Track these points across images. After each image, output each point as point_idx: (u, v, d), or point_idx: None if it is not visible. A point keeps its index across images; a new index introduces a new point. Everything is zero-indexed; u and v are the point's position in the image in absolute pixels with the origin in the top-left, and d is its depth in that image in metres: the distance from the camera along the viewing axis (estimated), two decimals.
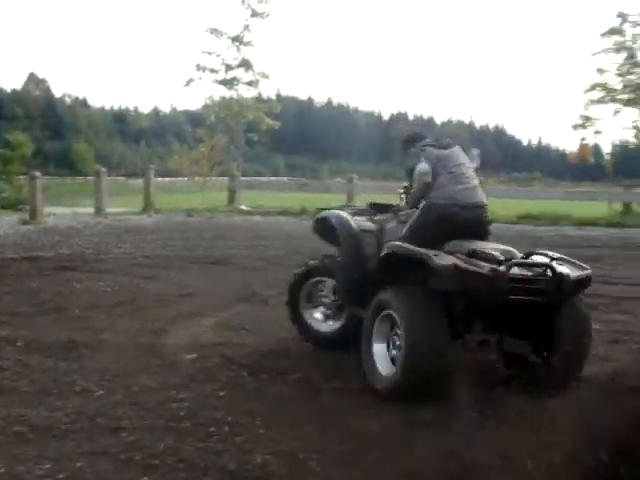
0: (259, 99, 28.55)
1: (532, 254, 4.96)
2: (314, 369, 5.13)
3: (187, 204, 20.15)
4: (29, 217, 16.53)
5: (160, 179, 25.64)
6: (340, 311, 5.77)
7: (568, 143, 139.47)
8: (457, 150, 5.32)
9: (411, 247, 4.69)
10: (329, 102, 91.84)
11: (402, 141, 5.57)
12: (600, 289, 8.49)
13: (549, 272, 4.66)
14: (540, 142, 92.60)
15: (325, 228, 5.86)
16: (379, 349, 4.83)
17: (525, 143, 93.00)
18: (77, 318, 6.78)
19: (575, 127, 28.19)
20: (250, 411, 4.33)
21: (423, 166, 5.06)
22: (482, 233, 5.08)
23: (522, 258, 4.84)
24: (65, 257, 10.72)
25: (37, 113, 64.12)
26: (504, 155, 76.40)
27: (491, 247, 4.78)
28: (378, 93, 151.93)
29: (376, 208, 5.80)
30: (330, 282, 5.78)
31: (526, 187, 32.93)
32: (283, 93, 66.57)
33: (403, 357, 4.52)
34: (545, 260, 4.80)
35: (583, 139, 29.18)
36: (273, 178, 43.79)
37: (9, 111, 62.16)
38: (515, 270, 4.61)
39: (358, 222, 5.62)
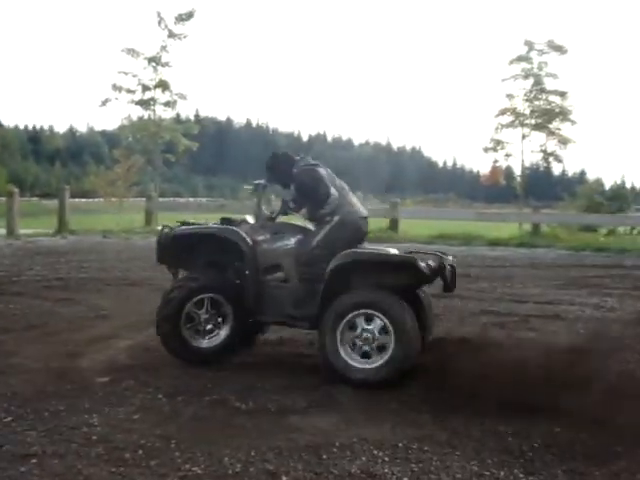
0: (177, 120, 28.40)
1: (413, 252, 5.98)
2: (229, 390, 5.11)
3: (103, 225, 19.81)
4: None
5: (76, 200, 25.16)
6: (222, 323, 5.88)
7: (481, 165, 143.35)
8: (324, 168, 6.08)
9: (385, 252, 5.70)
10: (248, 123, 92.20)
11: (274, 162, 6.23)
12: (510, 307, 8.80)
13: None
14: (455, 164, 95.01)
15: (175, 246, 6.06)
16: (345, 347, 5.38)
17: (441, 165, 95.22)
18: None
19: (486, 150, 29.15)
20: (165, 434, 4.29)
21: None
22: (365, 240, 6.02)
23: None
24: None
25: None
26: (421, 176, 77.99)
27: (390, 249, 5.86)
28: (297, 114, 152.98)
29: (229, 223, 6.17)
30: (207, 297, 5.82)
31: (441, 207, 33.71)
32: (202, 114, 66.38)
33: (401, 348, 5.22)
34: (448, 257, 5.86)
35: (495, 161, 30.15)
36: (192, 199, 43.44)
37: None
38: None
39: None
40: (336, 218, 5.74)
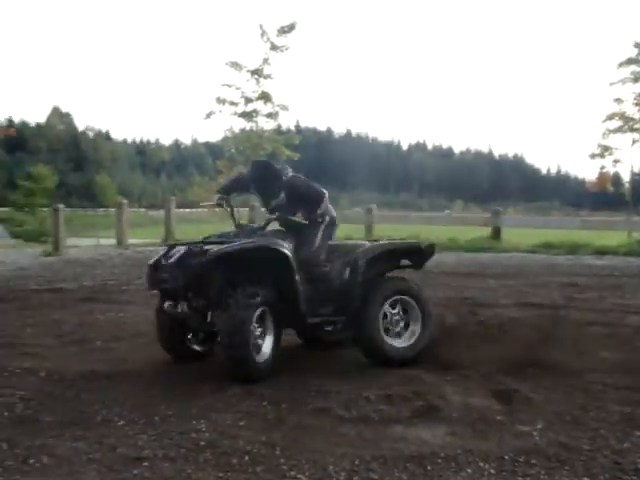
0: (278, 131, 28.75)
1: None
2: (332, 399, 5.14)
3: (207, 234, 20.23)
4: (52, 249, 16.74)
5: (181, 210, 25.87)
6: (265, 333, 5.76)
7: (587, 172, 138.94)
8: None
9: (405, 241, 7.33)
10: (348, 133, 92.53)
11: (263, 171, 6.38)
12: (621, 318, 8.46)
13: None
14: (559, 171, 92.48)
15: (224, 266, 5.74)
16: (384, 330, 6.12)
17: (544, 172, 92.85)
18: (99, 349, 6.86)
19: (593, 156, 28.14)
20: (270, 441, 4.34)
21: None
22: None
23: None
24: (87, 288, 10.86)
25: (60, 146, 65.00)
26: (523, 184, 76.30)
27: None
28: (397, 123, 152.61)
29: (227, 236, 6.28)
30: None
31: (544, 216, 32.84)
32: (302, 124, 67.12)
33: (428, 328, 6.28)
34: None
35: (602, 168, 29.08)
36: None
37: (33, 144, 63.20)
38: None
39: None
40: (327, 218, 6.29)
